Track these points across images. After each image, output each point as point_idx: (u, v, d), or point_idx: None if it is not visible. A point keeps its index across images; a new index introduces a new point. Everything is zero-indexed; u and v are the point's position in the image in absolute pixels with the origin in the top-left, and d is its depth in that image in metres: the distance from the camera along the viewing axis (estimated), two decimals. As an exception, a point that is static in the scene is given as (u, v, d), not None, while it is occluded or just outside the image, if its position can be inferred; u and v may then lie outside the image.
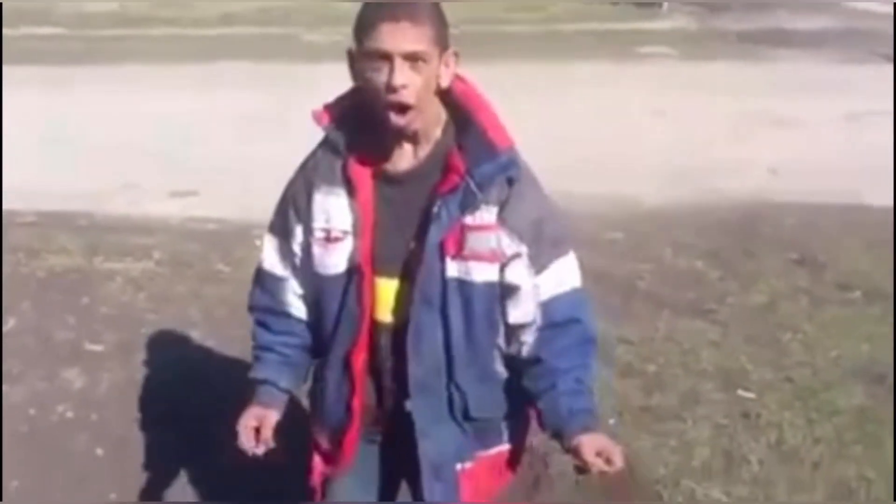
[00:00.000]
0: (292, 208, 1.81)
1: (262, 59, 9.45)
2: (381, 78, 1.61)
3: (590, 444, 1.65)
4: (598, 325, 1.85)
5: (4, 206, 5.21)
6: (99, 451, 3.17)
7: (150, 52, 10.04)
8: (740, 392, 3.46)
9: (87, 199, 5.52)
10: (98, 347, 3.70)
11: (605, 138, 6.93)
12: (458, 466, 1.83)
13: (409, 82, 1.60)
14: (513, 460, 1.93)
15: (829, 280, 4.44)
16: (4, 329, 3.80)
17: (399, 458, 1.86)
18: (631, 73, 9.25)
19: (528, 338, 1.77)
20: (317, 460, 1.95)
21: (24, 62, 9.23)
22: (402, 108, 1.63)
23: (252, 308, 1.93)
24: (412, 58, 1.60)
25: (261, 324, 1.91)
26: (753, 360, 3.68)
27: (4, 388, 3.43)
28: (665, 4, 13.51)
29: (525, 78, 8.89)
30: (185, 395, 3.25)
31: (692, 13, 13.40)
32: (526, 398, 1.82)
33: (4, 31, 11.33)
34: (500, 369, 1.83)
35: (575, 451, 1.67)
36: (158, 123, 7.05)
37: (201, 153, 6.22)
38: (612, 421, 3.27)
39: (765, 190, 5.86)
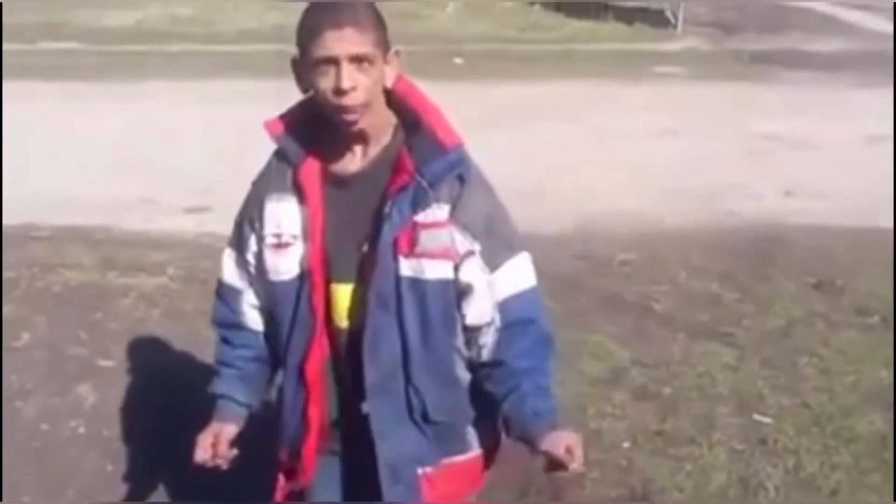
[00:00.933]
0: (246, 220, 1.83)
1: (278, 75, 9.49)
2: (329, 82, 1.63)
3: (557, 441, 1.64)
4: (553, 328, 1.84)
5: (21, 220, 5.25)
6: (109, 468, 3.16)
7: (167, 68, 10.12)
8: (756, 417, 3.42)
9: (102, 214, 5.55)
10: (110, 363, 3.70)
11: (618, 159, 6.93)
12: (420, 471, 1.81)
13: (356, 84, 1.63)
14: (480, 470, 1.91)
15: (847, 304, 4.40)
16: (18, 344, 3.81)
17: (362, 467, 1.83)
18: (645, 94, 9.26)
19: (487, 339, 1.77)
20: (280, 477, 1.93)
21: (42, 77, 9.32)
22: (352, 108, 1.65)
23: (214, 322, 1.95)
24: (358, 60, 1.63)
25: (222, 338, 1.93)
26: (770, 384, 3.64)
27: (17, 403, 3.44)
28: (679, 25, 13.54)
29: (538, 98, 8.91)
30: (196, 412, 3.23)
31: (706, 34, 13.42)
32: (490, 403, 1.80)
33: (22, 46, 11.44)
34: (461, 373, 1.82)
35: (543, 452, 1.66)
36: (174, 138, 7.09)
37: (216, 169, 6.25)
38: (626, 444, 3.24)
39: (780, 212, 5.83)
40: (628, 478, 3.08)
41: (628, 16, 13.74)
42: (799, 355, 3.88)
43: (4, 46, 10.36)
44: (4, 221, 5.13)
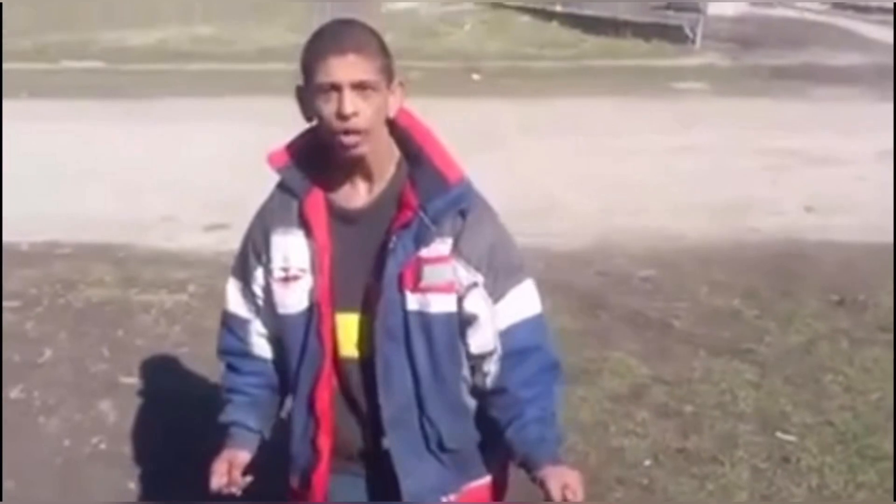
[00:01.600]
0: (252, 251, 1.84)
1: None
2: (331, 108, 1.64)
3: (557, 476, 1.64)
4: (558, 351, 1.83)
5: (42, 238, 5.30)
6: (130, 485, 3.17)
7: (188, 87, 10.22)
8: (780, 435, 3.39)
9: (124, 231, 5.59)
10: (132, 380, 3.72)
11: (637, 175, 6.92)
12: (444, 499, 1.83)
13: (358, 110, 1.64)
14: (498, 494, 1.92)
15: (870, 320, 4.36)
16: (41, 360, 3.85)
17: (377, 496, 1.85)
18: (664, 110, 9.25)
19: (491, 367, 1.78)
20: None
21: (64, 96, 9.43)
22: (353, 133, 1.66)
23: (220, 352, 1.95)
24: (361, 86, 1.64)
25: (229, 367, 1.93)
26: (793, 402, 3.60)
27: (40, 419, 3.47)
28: (698, 41, 13.54)
29: (556, 114, 8.92)
30: (215, 432, 3.24)
31: (725, 50, 13.42)
32: (496, 429, 1.80)
33: (46, 65, 11.60)
34: (468, 400, 1.83)
35: (541, 483, 1.66)
36: (195, 157, 7.15)
37: (236, 186, 6.29)
38: (647, 462, 3.22)
39: (801, 228, 5.80)
40: (650, 496, 3.06)
41: (647, 32, 13.76)
42: (822, 372, 3.84)
43: (28, 66, 10.52)
44: (27, 239, 5.20)
